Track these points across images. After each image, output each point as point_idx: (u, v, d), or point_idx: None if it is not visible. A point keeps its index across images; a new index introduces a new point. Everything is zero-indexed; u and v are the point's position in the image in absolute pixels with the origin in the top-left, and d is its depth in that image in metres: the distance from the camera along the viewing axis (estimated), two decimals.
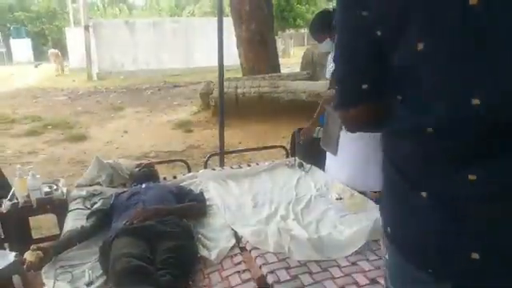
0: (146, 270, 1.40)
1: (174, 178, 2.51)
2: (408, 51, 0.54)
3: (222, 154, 3.05)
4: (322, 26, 2.19)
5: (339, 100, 0.69)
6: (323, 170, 2.43)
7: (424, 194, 0.57)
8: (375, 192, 2.08)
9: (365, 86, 0.63)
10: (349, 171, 2.19)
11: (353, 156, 2.19)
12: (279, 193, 2.16)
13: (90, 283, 1.48)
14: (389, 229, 0.66)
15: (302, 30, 18.77)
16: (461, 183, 0.53)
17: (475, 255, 0.52)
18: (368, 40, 0.59)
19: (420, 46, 0.53)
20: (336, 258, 1.51)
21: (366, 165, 2.14)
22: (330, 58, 2.37)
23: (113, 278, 1.44)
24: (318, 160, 2.47)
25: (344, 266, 1.47)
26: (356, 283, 1.37)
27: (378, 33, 0.58)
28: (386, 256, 0.69)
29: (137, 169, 2.33)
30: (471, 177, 0.52)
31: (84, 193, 2.17)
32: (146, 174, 2.25)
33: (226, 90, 4.57)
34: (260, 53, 7.50)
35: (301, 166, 2.50)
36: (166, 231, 1.63)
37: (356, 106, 0.66)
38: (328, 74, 2.37)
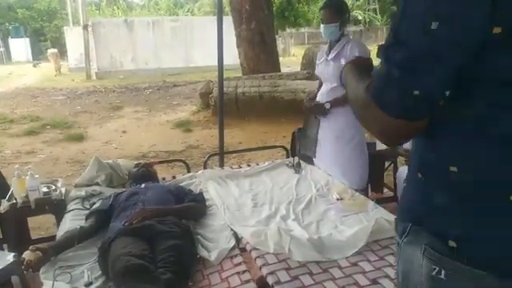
0: (146, 269, 1.39)
1: (174, 178, 2.50)
2: None
3: (222, 154, 3.04)
4: (340, 6, 2.21)
5: (404, 109, 0.58)
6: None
7: None
8: (356, 189, 2.16)
9: (447, 93, 0.56)
10: (335, 171, 2.30)
11: (335, 156, 2.31)
12: (279, 193, 2.15)
13: (88, 284, 1.47)
14: (453, 243, 0.59)
15: (303, 29, 18.77)
16: None
17: None
18: (479, 38, 0.51)
19: None
20: (336, 258, 1.50)
21: (349, 163, 2.28)
22: (323, 51, 2.37)
23: (113, 278, 1.43)
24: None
25: (344, 267, 1.46)
26: (356, 284, 1.36)
27: (497, 30, 0.50)
28: (442, 275, 0.60)
29: (135, 169, 2.32)
30: None
31: (83, 193, 2.16)
32: (145, 173, 2.24)
33: (225, 89, 4.55)
34: (260, 52, 7.49)
35: (298, 166, 2.48)
36: (166, 231, 1.62)
37: (425, 117, 0.59)
38: (318, 70, 2.39)
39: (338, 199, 1.99)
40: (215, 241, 1.72)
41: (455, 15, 0.51)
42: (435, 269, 0.60)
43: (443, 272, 0.60)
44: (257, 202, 2.04)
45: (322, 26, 2.24)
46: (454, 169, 0.60)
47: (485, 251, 0.57)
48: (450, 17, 0.51)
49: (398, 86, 0.57)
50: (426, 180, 0.65)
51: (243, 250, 1.65)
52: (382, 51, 0.59)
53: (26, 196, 2.02)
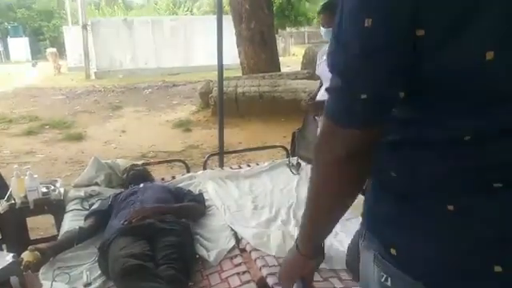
0: (144, 268, 1.39)
1: (173, 178, 2.49)
2: (469, 58, 0.46)
3: (222, 153, 3.03)
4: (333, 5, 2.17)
5: (357, 116, 0.52)
6: None
7: (451, 207, 0.52)
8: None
9: (402, 94, 0.51)
10: None
11: None
12: (279, 195, 2.13)
13: (88, 284, 1.47)
14: (394, 250, 0.57)
15: (303, 29, 18.74)
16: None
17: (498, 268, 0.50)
18: (406, 39, 0.48)
19: (489, 56, 0.45)
20: (337, 269, 1.49)
21: None
22: (323, 50, 2.36)
23: (114, 279, 1.43)
24: None
25: (345, 280, 1.44)
26: None
27: (421, 32, 0.47)
28: (389, 282, 0.59)
29: (124, 175, 2.30)
30: None
31: (82, 193, 2.16)
32: (135, 175, 2.23)
33: (225, 89, 4.54)
34: (260, 51, 7.48)
35: (298, 166, 2.47)
36: (166, 228, 1.62)
37: (378, 124, 0.53)
38: (318, 70, 2.37)
39: None
40: (214, 241, 1.71)
41: (382, 11, 0.48)
42: (383, 276, 0.59)
43: (390, 279, 0.59)
44: (257, 205, 2.02)
45: (321, 29, 2.22)
46: (393, 174, 0.58)
47: (420, 261, 0.55)
48: (379, 13, 0.48)
49: (348, 93, 0.52)
50: (374, 183, 0.63)
51: (243, 250, 1.64)
52: (328, 60, 0.55)
53: (25, 196, 2.01)
